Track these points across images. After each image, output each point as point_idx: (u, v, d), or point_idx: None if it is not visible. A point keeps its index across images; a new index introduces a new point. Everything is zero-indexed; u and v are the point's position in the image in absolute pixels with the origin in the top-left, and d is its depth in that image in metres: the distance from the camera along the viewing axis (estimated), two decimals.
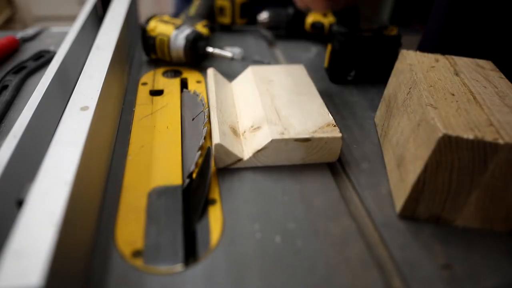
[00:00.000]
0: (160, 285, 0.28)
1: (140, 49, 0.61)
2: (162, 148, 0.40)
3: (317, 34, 0.68)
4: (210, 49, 0.55)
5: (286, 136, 0.37)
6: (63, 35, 0.56)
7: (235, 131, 0.41)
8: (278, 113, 0.41)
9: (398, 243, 0.32)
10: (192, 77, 0.55)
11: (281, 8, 0.69)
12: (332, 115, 0.41)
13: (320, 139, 0.38)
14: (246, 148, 0.39)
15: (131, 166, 0.38)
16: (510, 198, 0.31)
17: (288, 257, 0.30)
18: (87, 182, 0.30)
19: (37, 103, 0.36)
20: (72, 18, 0.62)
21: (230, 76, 0.53)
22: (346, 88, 0.55)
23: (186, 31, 0.54)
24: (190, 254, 0.30)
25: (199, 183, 0.36)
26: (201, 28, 0.61)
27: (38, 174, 0.26)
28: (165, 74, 0.55)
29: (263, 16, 0.70)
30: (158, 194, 0.35)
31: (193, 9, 0.70)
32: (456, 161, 0.29)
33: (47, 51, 0.59)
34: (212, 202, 0.35)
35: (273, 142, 0.37)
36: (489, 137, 0.28)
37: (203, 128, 0.42)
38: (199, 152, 0.38)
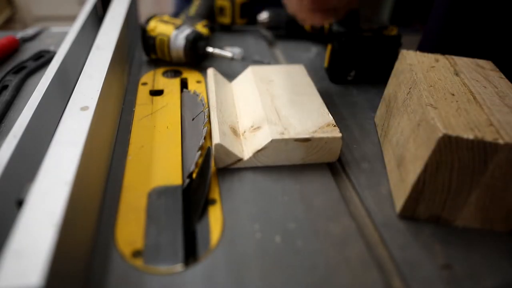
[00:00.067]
0: (160, 285, 0.28)
1: (140, 49, 0.61)
2: (162, 148, 0.40)
3: (317, 34, 0.68)
4: (210, 49, 0.55)
5: (286, 136, 0.37)
6: (63, 35, 0.56)
7: (235, 131, 0.41)
8: (278, 113, 0.41)
9: (398, 243, 0.32)
10: (192, 77, 0.55)
11: (281, 8, 0.69)
12: (332, 115, 0.41)
13: (320, 139, 0.38)
14: (246, 148, 0.39)
15: (131, 166, 0.38)
16: (510, 198, 0.31)
17: (288, 257, 0.30)
18: (87, 182, 0.30)
19: (37, 103, 0.36)
20: (72, 18, 0.62)
21: (230, 76, 0.53)
22: (346, 88, 0.55)
23: (186, 31, 0.54)
24: (190, 254, 0.30)
25: (199, 183, 0.36)
26: (201, 28, 0.61)
27: (38, 174, 0.26)
28: (165, 74, 0.55)
29: (263, 16, 0.70)
30: (158, 194, 0.35)
31: (193, 9, 0.70)
32: (456, 161, 0.29)
33: (47, 51, 0.59)
34: (212, 202, 0.35)
35: (273, 142, 0.37)
36: (489, 137, 0.28)
37: (203, 128, 0.42)
38: (199, 152, 0.38)
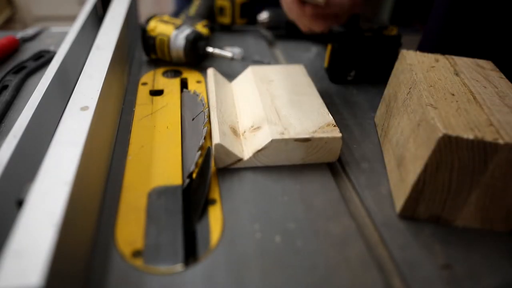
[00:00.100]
0: (160, 285, 0.28)
1: (140, 49, 0.61)
2: (162, 148, 0.40)
3: (317, 34, 0.68)
4: (210, 49, 0.55)
5: (286, 136, 0.37)
6: (63, 35, 0.56)
7: (235, 131, 0.41)
8: (278, 113, 0.41)
9: (398, 243, 0.32)
10: (192, 77, 0.55)
11: (281, 8, 0.69)
12: (332, 115, 0.41)
13: (320, 139, 0.38)
14: (246, 148, 0.39)
15: (131, 166, 0.38)
16: (510, 198, 0.31)
17: (288, 257, 0.30)
18: (87, 182, 0.30)
19: (37, 103, 0.36)
20: (72, 18, 0.62)
21: (230, 76, 0.53)
22: (346, 88, 0.55)
23: (186, 31, 0.54)
24: (190, 254, 0.30)
25: (199, 183, 0.36)
26: (201, 28, 0.61)
27: (38, 174, 0.26)
28: (165, 74, 0.55)
29: (263, 16, 0.70)
30: (158, 194, 0.35)
31: (193, 9, 0.70)
32: (456, 161, 0.29)
33: (47, 51, 0.59)
34: (212, 202, 0.35)
35: (273, 142, 0.37)
36: (489, 137, 0.28)
37: (203, 128, 0.42)
38: (199, 152, 0.38)
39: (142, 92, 0.50)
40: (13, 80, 0.50)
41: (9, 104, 0.47)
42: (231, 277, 0.29)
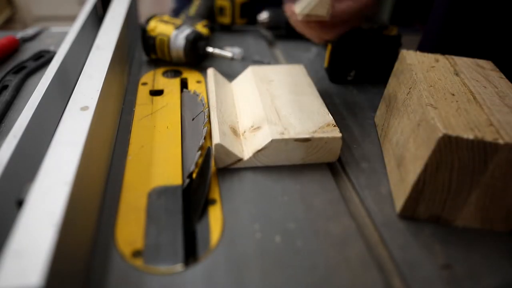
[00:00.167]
0: (160, 285, 0.28)
1: (140, 49, 0.61)
2: (162, 148, 0.40)
3: None
4: (210, 49, 0.55)
5: (286, 136, 0.37)
6: (63, 35, 0.56)
7: (235, 131, 0.41)
8: (278, 113, 0.41)
9: (398, 243, 0.32)
10: (192, 77, 0.55)
11: (281, 8, 0.69)
12: (332, 115, 0.41)
13: (320, 139, 0.38)
14: (246, 148, 0.39)
15: (131, 166, 0.38)
16: (510, 198, 0.31)
17: (288, 257, 0.30)
18: (87, 182, 0.30)
19: (37, 103, 0.36)
20: (72, 18, 0.62)
21: (230, 76, 0.53)
22: (346, 88, 0.55)
23: (186, 31, 0.54)
24: (190, 254, 0.30)
25: (199, 183, 0.36)
26: (201, 28, 0.61)
27: (38, 174, 0.26)
28: (165, 74, 0.55)
29: (263, 16, 0.69)
30: (158, 194, 0.35)
31: (193, 9, 0.70)
32: (456, 161, 0.29)
33: (47, 51, 0.59)
34: (212, 202, 0.35)
35: (273, 142, 0.37)
36: (489, 137, 0.28)
37: (203, 128, 0.42)
38: (199, 152, 0.38)
39: (142, 92, 0.50)
40: (13, 80, 0.50)
41: (9, 104, 0.47)
42: (231, 277, 0.29)
